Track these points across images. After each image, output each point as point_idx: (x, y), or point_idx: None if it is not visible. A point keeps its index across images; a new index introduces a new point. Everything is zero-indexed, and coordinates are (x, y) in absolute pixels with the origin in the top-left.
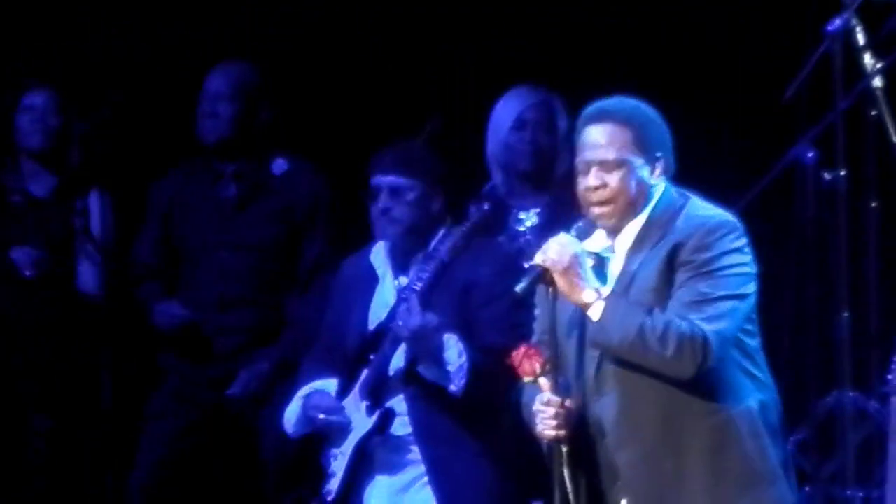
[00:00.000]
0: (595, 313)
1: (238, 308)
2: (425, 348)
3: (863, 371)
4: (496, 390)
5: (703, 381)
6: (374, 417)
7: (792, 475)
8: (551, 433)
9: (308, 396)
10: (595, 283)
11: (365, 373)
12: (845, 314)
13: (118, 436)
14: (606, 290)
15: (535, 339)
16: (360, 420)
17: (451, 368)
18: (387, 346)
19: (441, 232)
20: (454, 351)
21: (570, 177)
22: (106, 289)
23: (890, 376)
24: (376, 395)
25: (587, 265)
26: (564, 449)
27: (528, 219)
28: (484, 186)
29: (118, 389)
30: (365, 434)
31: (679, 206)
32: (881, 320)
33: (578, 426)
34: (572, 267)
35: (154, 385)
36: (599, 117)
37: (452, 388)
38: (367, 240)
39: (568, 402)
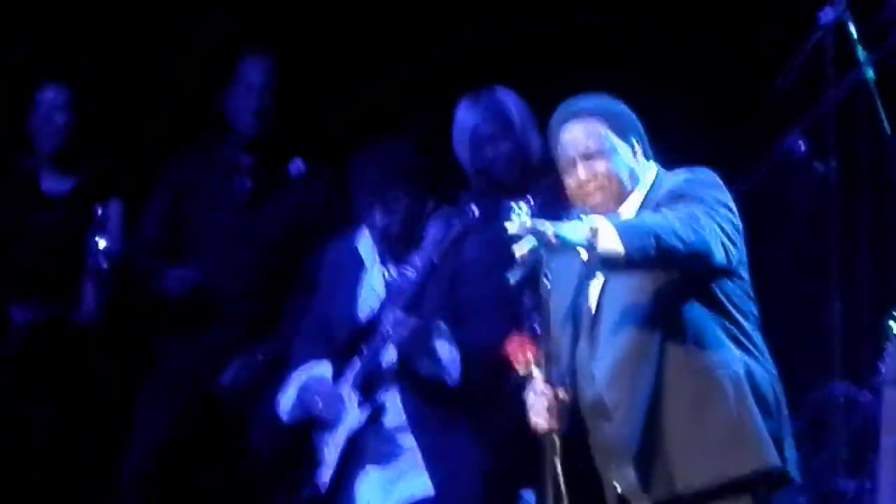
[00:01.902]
0: (605, 235)
1: (236, 300)
2: (416, 350)
3: (854, 363)
4: (489, 374)
5: (690, 341)
6: (366, 412)
7: (787, 450)
8: (544, 424)
9: (306, 383)
10: (588, 222)
11: (357, 364)
12: (837, 305)
13: (113, 423)
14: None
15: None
16: (352, 412)
17: (444, 361)
18: (378, 341)
19: (431, 225)
20: (445, 344)
21: (547, 163)
22: (105, 306)
23: (881, 367)
24: (368, 389)
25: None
26: (557, 440)
27: (521, 209)
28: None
29: (114, 378)
30: (356, 427)
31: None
32: (872, 312)
33: (571, 418)
34: (557, 228)
35: (148, 372)
36: (571, 116)
37: (447, 379)
38: None
39: (561, 394)
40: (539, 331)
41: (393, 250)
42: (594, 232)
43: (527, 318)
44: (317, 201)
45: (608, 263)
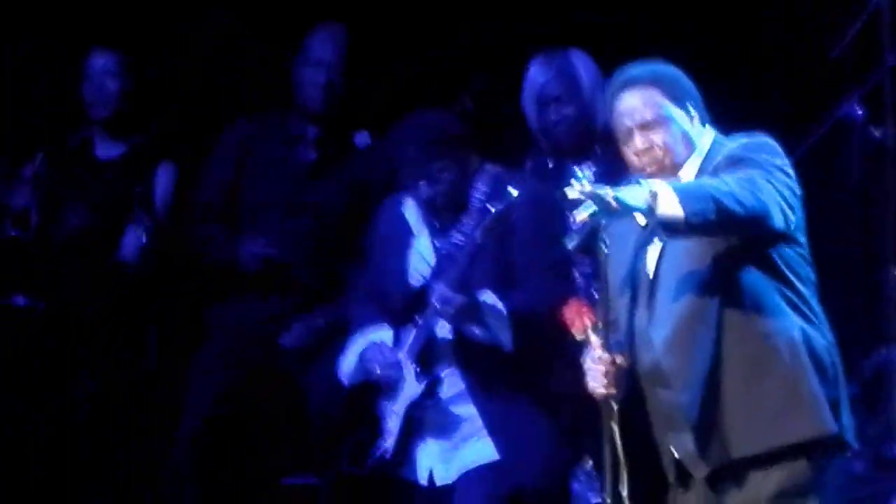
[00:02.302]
0: (665, 199)
1: (297, 266)
2: (466, 323)
3: None
4: (544, 339)
5: (748, 306)
6: (424, 384)
7: (844, 416)
8: (602, 391)
9: (365, 348)
10: (648, 186)
11: (413, 335)
12: (893, 271)
13: (162, 397)
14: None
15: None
16: (411, 383)
17: (494, 329)
18: (431, 313)
19: (479, 182)
20: (493, 313)
21: (609, 129)
22: (149, 257)
23: None
24: (424, 361)
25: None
26: (615, 406)
27: (583, 174)
28: (528, 154)
29: (162, 351)
30: (415, 399)
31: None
32: None
33: (629, 384)
34: (617, 192)
35: (198, 345)
36: (627, 84)
37: (502, 345)
38: None
39: (619, 360)
40: (597, 296)
41: (440, 218)
42: (654, 196)
43: (584, 284)
44: (382, 172)
45: (668, 228)
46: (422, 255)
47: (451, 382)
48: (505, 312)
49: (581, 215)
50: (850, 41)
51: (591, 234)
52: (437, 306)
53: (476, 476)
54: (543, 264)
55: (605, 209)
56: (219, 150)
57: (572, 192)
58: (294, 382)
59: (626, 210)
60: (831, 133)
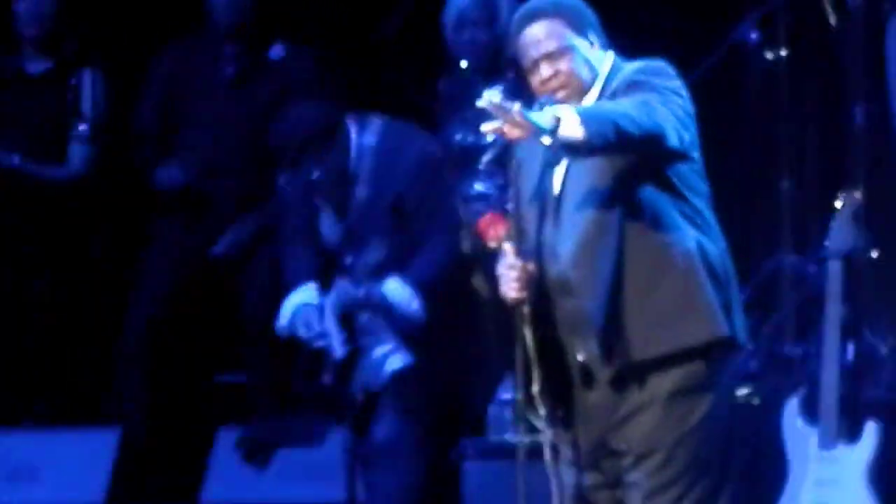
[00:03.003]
0: (567, 122)
1: (228, 177)
2: (373, 311)
3: (802, 237)
4: (454, 282)
5: (647, 220)
6: (346, 351)
7: (736, 318)
8: (515, 294)
9: (297, 310)
10: (551, 110)
11: (334, 295)
12: (786, 184)
13: (111, 293)
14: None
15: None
16: (337, 344)
17: (406, 307)
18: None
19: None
20: (400, 291)
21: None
22: (93, 164)
23: (827, 242)
24: (349, 329)
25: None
26: (526, 309)
27: (493, 93)
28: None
29: (110, 256)
30: (341, 358)
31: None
32: (819, 189)
33: (538, 288)
34: (522, 114)
35: (146, 248)
36: (531, 17)
37: (413, 319)
38: None
39: (529, 266)
40: (509, 208)
41: (334, 196)
42: (557, 120)
43: (498, 196)
44: (297, 79)
45: (570, 148)
46: (329, 227)
47: (373, 342)
48: (415, 295)
49: (490, 127)
50: None
51: (504, 148)
52: (342, 300)
53: (393, 387)
54: (440, 217)
55: (513, 125)
56: (150, 76)
57: (482, 103)
58: (227, 285)
59: (532, 129)
60: (729, 55)
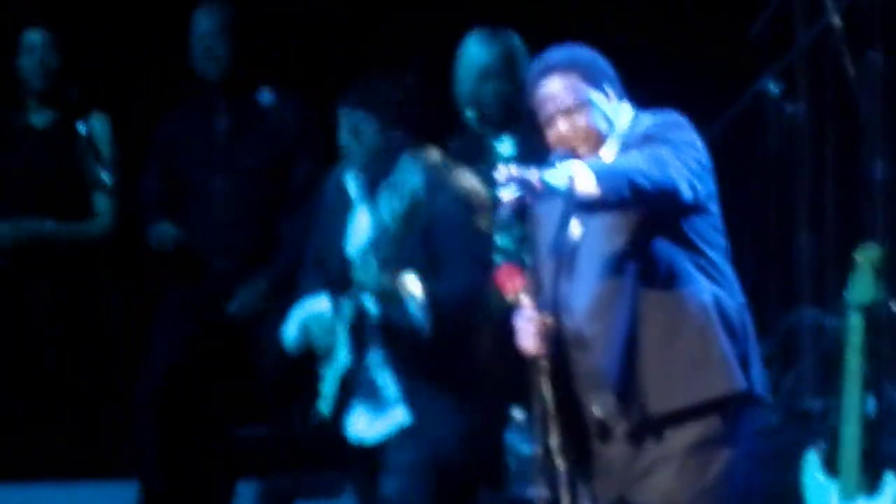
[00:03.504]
0: (582, 179)
1: (234, 230)
2: (388, 305)
3: (822, 290)
4: (462, 323)
5: (662, 274)
6: (354, 352)
7: (753, 371)
8: (534, 347)
9: (305, 318)
10: (566, 169)
11: (346, 305)
12: (805, 237)
13: (126, 353)
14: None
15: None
16: (344, 351)
17: (416, 313)
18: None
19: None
20: (416, 297)
21: (528, 108)
22: (119, 217)
23: (847, 294)
24: (357, 332)
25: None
26: (544, 363)
27: (503, 146)
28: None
29: (126, 313)
30: (347, 366)
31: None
32: (838, 242)
33: (556, 342)
34: (541, 175)
35: (159, 303)
36: (547, 71)
37: (421, 328)
38: None
39: (548, 319)
40: (527, 261)
41: (370, 182)
42: (571, 179)
43: (516, 249)
44: (290, 122)
45: (585, 205)
46: (360, 223)
47: (378, 352)
48: (426, 300)
49: (506, 194)
50: (767, 21)
51: (520, 207)
52: (360, 285)
53: (397, 442)
54: (465, 254)
55: (530, 190)
56: (153, 143)
57: (499, 175)
58: (245, 340)
59: (548, 190)
60: (750, 107)
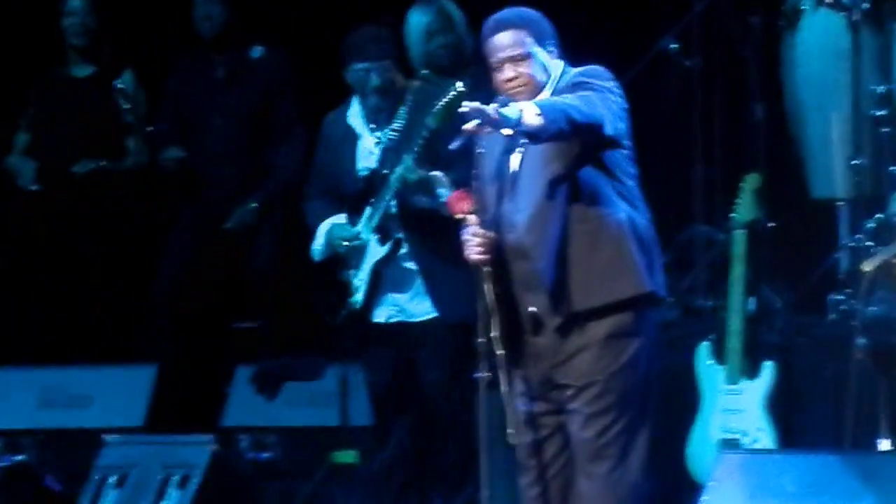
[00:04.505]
0: (529, 113)
1: (229, 160)
2: (420, 193)
3: (712, 210)
4: None
5: (586, 196)
6: (388, 245)
7: (657, 276)
8: (478, 258)
9: (330, 229)
10: (517, 105)
11: (368, 213)
12: (699, 167)
13: (148, 259)
14: (525, 104)
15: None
16: (374, 248)
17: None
18: (385, 192)
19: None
20: (445, 185)
21: (478, 55)
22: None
23: (733, 214)
24: (385, 230)
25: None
26: (487, 269)
27: (459, 88)
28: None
29: (149, 229)
30: (380, 259)
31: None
32: (726, 172)
33: (497, 252)
34: (496, 109)
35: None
36: (501, 26)
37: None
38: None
39: (490, 234)
40: (474, 187)
41: (377, 119)
42: (521, 112)
43: (465, 178)
44: (275, 72)
45: (531, 135)
46: (368, 150)
47: (404, 244)
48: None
49: (471, 125)
50: None
51: (469, 140)
52: (401, 177)
53: (432, 330)
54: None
55: (488, 121)
56: (164, 91)
57: (465, 108)
58: (240, 249)
59: (504, 121)
60: (654, 61)
